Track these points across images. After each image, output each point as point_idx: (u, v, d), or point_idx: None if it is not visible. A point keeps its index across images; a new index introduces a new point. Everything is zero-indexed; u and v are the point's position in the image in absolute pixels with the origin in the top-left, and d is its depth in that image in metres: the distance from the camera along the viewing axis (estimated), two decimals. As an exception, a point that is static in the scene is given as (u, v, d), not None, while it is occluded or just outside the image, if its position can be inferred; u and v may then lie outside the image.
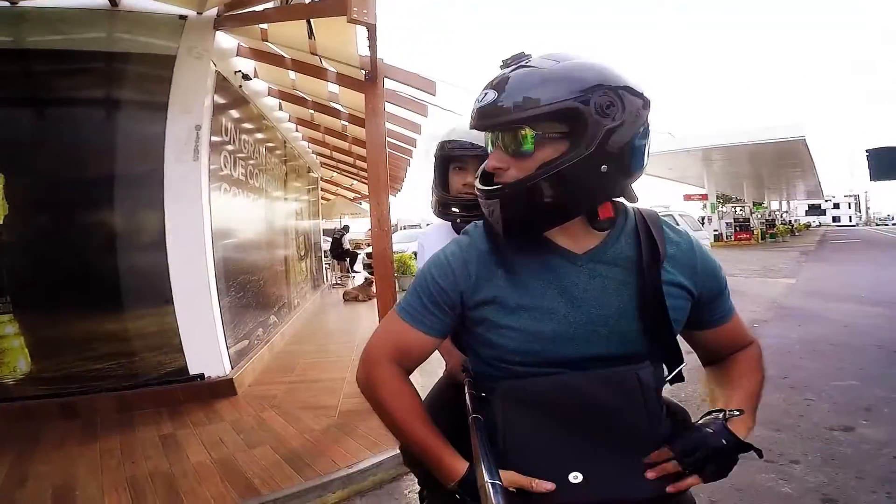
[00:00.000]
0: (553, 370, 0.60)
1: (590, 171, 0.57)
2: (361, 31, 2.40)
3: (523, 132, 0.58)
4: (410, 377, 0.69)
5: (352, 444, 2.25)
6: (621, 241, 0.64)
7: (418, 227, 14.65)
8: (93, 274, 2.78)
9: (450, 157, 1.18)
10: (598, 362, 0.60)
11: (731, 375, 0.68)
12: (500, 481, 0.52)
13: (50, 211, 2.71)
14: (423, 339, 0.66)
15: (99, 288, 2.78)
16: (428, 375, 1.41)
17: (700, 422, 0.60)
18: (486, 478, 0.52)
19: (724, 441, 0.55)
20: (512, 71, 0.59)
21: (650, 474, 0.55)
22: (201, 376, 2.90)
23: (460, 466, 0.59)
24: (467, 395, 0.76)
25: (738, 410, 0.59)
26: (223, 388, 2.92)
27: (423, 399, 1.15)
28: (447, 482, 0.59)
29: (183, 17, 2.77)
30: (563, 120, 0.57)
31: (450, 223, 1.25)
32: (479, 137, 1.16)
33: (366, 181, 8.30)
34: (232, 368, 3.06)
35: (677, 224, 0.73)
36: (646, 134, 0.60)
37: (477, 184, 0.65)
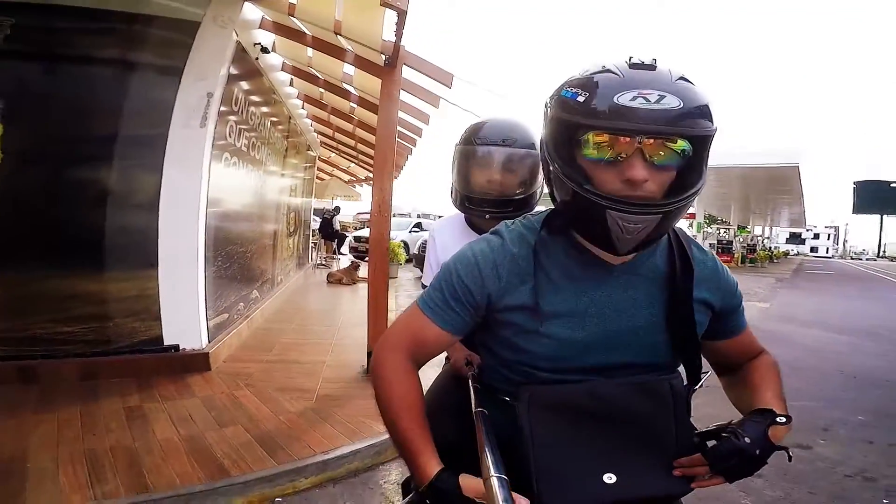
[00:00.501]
0: (581, 377, 0.62)
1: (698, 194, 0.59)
2: (389, 16, 2.33)
3: (682, 147, 0.56)
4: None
5: (329, 429, 2.21)
6: (656, 255, 0.66)
7: (408, 216, 14.55)
8: (78, 230, 2.66)
9: (474, 152, 1.15)
10: (624, 370, 0.63)
11: (753, 379, 0.69)
12: (506, 475, 0.52)
13: (45, 162, 2.58)
14: (440, 335, 0.66)
15: (83, 245, 2.67)
16: (427, 366, 1.41)
17: (738, 425, 0.58)
18: (493, 471, 0.52)
19: (759, 451, 0.56)
20: (680, 81, 0.56)
21: (677, 472, 0.59)
22: (176, 347, 2.81)
23: (432, 469, 0.57)
24: (471, 388, 0.77)
25: (784, 417, 0.59)
26: (197, 362, 2.84)
27: (425, 391, 1.14)
28: (418, 482, 0.59)
29: (215, -18, 2.67)
30: (705, 143, 0.57)
31: (463, 217, 1.24)
32: (509, 132, 1.15)
33: (364, 165, 8.22)
34: (209, 342, 2.98)
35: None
36: None
37: (609, 194, 0.57)
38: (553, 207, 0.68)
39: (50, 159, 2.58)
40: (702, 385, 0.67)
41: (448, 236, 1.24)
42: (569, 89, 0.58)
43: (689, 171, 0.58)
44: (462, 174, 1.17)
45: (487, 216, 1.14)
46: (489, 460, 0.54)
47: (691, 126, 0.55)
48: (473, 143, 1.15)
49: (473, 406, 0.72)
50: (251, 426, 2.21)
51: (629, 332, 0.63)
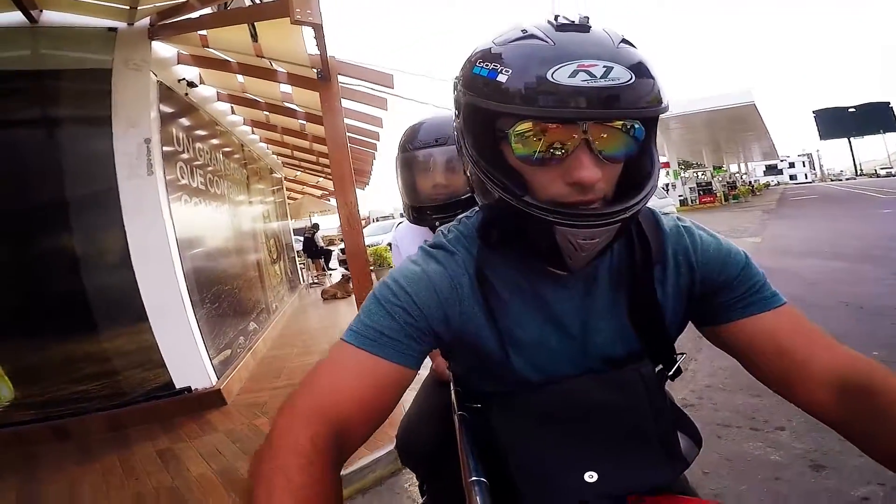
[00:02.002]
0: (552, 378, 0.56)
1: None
2: (308, 31, 2.37)
3: (636, 131, 0.45)
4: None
5: (348, 442, 2.35)
6: (613, 248, 0.54)
7: (391, 217, 14.53)
8: (61, 299, 2.72)
9: (413, 159, 1.09)
10: (596, 368, 0.57)
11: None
12: (486, 479, 0.49)
13: (5, 242, 2.60)
14: (395, 376, 0.50)
15: (69, 312, 2.73)
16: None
17: None
18: (473, 476, 0.50)
19: None
20: (623, 45, 0.44)
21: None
22: (188, 389, 2.91)
23: None
24: (453, 392, 0.72)
25: None
26: (212, 399, 2.95)
27: (412, 402, 1.11)
28: None
29: (113, 30, 2.64)
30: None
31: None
32: (444, 130, 1.08)
33: (331, 178, 8.16)
34: (218, 379, 3.08)
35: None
36: None
37: (559, 205, 0.46)
38: (481, 213, 0.58)
39: (8, 234, 2.60)
40: (678, 369, 0.59)
41: (410, 243, 1.17)
42: (483, 65, 0.46)
43: (642, 157, 0.48)
44: (407, 184, 1.11)
45: (438, 224, 1.06)
46: (469, 464, 0.52)
47: (649, 103, 0.43)
48: (409, 150, 1.09)
49: (455, 410, 0.68)
50: (251, 458, 2.34)
51: (597, 339, 0.56)
